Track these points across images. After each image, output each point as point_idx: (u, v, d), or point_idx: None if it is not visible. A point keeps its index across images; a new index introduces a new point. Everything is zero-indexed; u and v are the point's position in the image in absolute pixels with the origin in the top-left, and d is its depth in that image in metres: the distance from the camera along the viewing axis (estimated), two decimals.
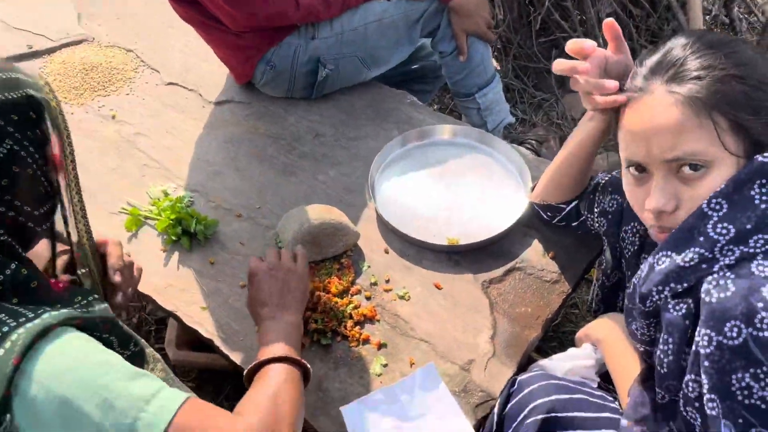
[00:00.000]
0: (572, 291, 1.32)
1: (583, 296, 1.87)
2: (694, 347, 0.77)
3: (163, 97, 1.80)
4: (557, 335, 1.77)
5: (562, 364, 1.20)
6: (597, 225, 1.18)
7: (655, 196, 0.81)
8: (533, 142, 2.16)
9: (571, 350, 1.23)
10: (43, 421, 0.67)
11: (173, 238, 1.40)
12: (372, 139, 1.63)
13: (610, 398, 1.04)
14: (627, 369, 0.98)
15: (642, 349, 0.95)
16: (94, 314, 0.79)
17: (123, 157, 1.65)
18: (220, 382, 1.77)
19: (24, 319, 0.71)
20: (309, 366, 0.99)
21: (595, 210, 1.18)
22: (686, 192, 0.80)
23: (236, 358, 1.22)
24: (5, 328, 0.70)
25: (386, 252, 1.39)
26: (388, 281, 1.33)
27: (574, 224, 1.29)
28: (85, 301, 0.81)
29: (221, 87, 1.82)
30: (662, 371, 0.85)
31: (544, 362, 1.22)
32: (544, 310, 1.26)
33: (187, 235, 1.41)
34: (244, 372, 0.98)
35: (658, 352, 0.85)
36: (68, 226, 0.86)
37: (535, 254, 1.36)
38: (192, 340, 1.33)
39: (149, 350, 1.10)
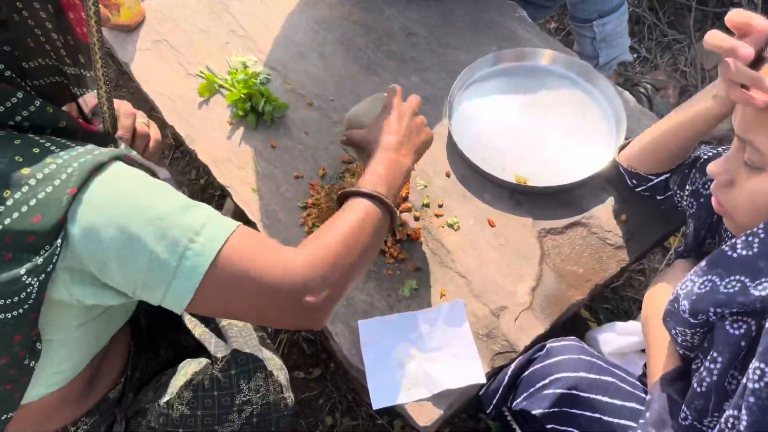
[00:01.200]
0: (634, 262, 1.21)
1: (654, 265, 1.73)
2: (744, 380, 0.67)
3: None
4: (613, 298, 1.67)
5: (609, 337, 1.13)
6: (685, 204, 1.05)
7: (716, 161, 0.79)
8: (648, 86, 1.93)
9: (620, 324, 1.15)
10: (102, 245, 0.68)
11: (240, 113, 1.38)
12: (464, 51, 1.51)
13: (642, 387, 0.96)
14: (661, 356, 0.89)
15: (681, 352, 0.85)
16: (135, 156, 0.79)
17: (214, 19, 1.61)
18: None
19: (73, 151, 0.70)
20: (396, 210, 0.94)
21: (687, 188, 1.03)
22: (742, 178, 0.76)
23: None
24: (50, 153, 0.69)
25: (447, 176, 1.32)
26: (441, 206, 1.27)
27: (659, 197, 1.15)
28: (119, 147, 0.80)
29: None
30: (698, 389, 0.75)
31: (592, 333, 1.16)
32: (597, 275, 1.17)
33: (255, 113, 1.38)
34: (338, 193, 0.96)
35: (702, 369, 0.75)
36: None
37: (605, 213, 1.24)
38: (245, 220, 1.34)
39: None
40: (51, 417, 0.89)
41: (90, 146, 0.72)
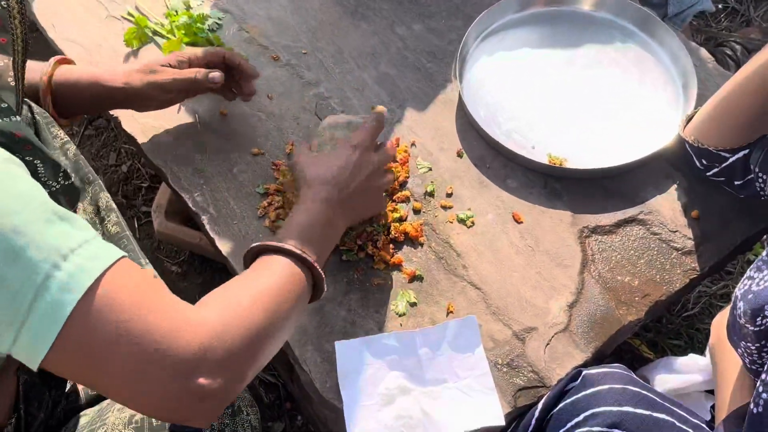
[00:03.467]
0: (708, 274, 1.28)
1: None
2: None
3: None
4: (684, 328, 1.74)
5: (667, 378, 1.17)
6: None
7: None
8: (737, 47, 2.03)
9: (681, 360, 1.22)
10: None
11: None
12: None
13: (707, 429, 1.02)
14: (730, 388, 0.95)
15: (752, 378, 0.92)
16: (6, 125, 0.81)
17: None
18: (213, 275, 1.88)
19: None
20: (324, 279, 1.01)
21: None
22: None
23: (223, 246, 1.29)
24: None
25: (459, 155, 1.38)
26: (450, 195, 1.34)
27: (737, 182, 1.22)
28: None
29: None
30: (755, 410, 0.82)
31: (644, 371, 1.20)
32: (658, 289, 1.24)
33: None
34: (244, 252, 1.02)
35: (758, 385, 0.82)
36: None
37: (669, 206, 1.32)
38: (187, 210, 1.39)
39: (104, 195, 1.16)
40: None
41: None
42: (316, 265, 0.99)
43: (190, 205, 1.34)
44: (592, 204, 1.32)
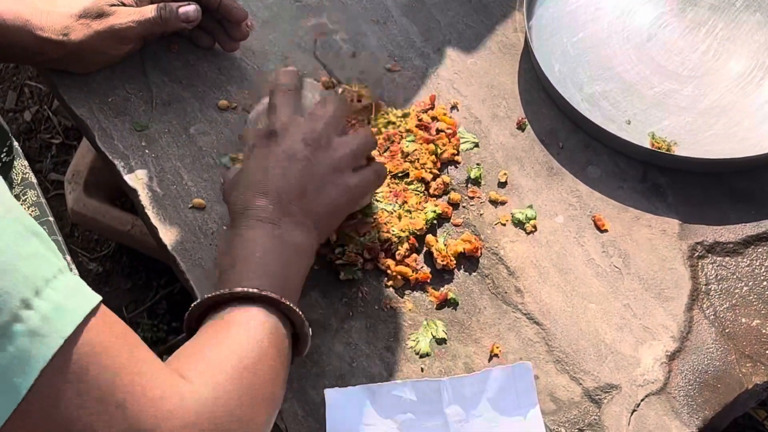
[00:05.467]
0: None
1: None
2: None
3: None
4: None
5: None
6: None
7: None
8: None
9: None
10: None
11: None
12: None
13: None
14: None
15: None
16: None
17: None
18: (148, 280, 1.86)
19: None
20: (305, 322, 1.03)
21: None
22: None
23: (169, 237, 1.26)
24: None
25: (520, 127, 1.37)
26: (503, 185, 1.31)
27: None
28: None
29: None
30: None
31: None
32: None
33: None
34: (187, 313, 1.02)
35: None
36: None
37: None
38: (116, 183, 1.37)
39: (20, 163, 1.17)
40: None
41: None
42: (292, 306, 1.01)
43: (124, 176, 1.31)
44: (710, 210, 1.30)
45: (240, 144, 1.34)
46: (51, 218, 1.19)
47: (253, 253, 1.04)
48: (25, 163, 1.23)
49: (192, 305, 1.01)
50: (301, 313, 1.01)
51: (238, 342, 0.94)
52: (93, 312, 0.77)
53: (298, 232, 1.09)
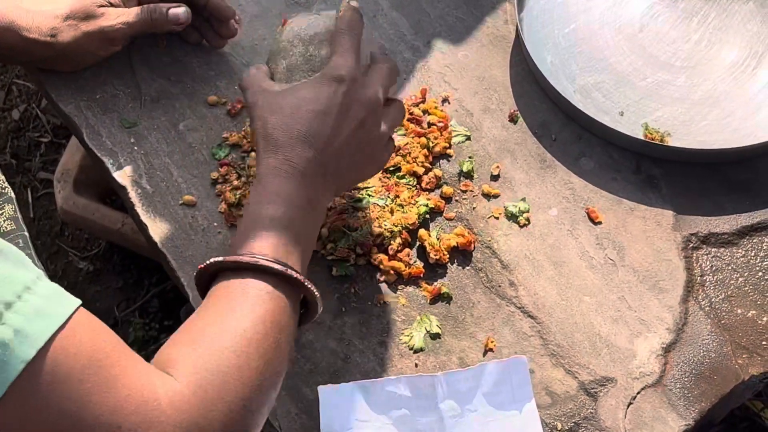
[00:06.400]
0: None
1: None
2: None
3: None
4: None
5: None
6: None
7: None
8: None
9: None
10: None
11: None
12: None
13: None
14: None
15: None
16: None
17: None
18: (139, 278, 1.85)
19: None
20: (318, 299, 1.00)
21: None
22: None
23: (159, 234, 1.26)
24: None
25: (512, 120, 1.36)
26: (496, 177, 1.31)
27: None
28: None
29: None
30: None
31: None
32: None
33: None
34: (194, 273, 1.00)
35: None
36: None
37: None
38: (106, 181, 1.37)
39: None
40: None
41: None
42: (307, 283, 0.98)
43: (113, 173, 1.31)
44: (704, 201, 1.30)
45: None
46: (25, 233, 1.19)
47: (276, 213, 0.99)
48: (2, 177, 1.22)
49: (197, 270, 0.98)
50: (312, 287, 0.98)
51: (238, 321, 0.91)
52: (68, 320, 0.76)
53: (325, 194, 1.06)
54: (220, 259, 0.96)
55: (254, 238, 0.98)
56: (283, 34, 1.13)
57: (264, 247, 0.96)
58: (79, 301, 0.79)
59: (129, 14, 1.25)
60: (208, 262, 0.96)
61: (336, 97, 1.04)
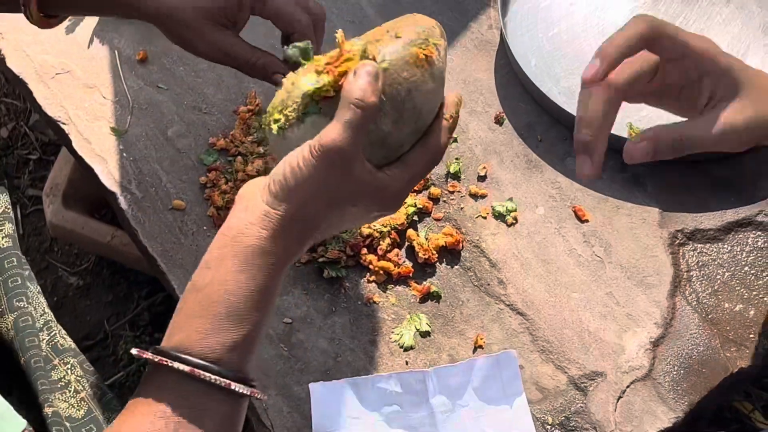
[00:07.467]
0: None
1: None
2: None
3: None
4: None
5: None
6: None
7: None
8: None
9: None
10: None
11: None
12: None
13: None
14: None
15: None
16: None
17: None
18: (129, 291, 1.85)
19: None
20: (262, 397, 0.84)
21: None
22: None
23: (149, 240, 1.27)
24: None
25: (498, 122, 1.37)
26: (483, 178, 1.32)
27: None
28: None
29: None
30: None
31: None
32: None
33: None
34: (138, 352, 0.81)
35: None
36: None
37: None
38: (95, 194, 1.36)
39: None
40: None
41: None
42: (263, 398, 0.83)
43: (103, 180, 1.32)
44: (689, 198, 1.31)
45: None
46: (19, 251, 1.20)
47: (217, 290, 0.80)
48: (7, 198, 1.23)
49: (142, 353, 0.79)
50: (258, 393, 0.81)
51: None
52: None
53: (298, 248, 0.86)
54: (155, 357, 0.78)
55: (217, 337, 0.79)
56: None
57: (223, 352, 0.79)
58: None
59: (235, 44, 1.10)
60: (146, 352, 0.79)
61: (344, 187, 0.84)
